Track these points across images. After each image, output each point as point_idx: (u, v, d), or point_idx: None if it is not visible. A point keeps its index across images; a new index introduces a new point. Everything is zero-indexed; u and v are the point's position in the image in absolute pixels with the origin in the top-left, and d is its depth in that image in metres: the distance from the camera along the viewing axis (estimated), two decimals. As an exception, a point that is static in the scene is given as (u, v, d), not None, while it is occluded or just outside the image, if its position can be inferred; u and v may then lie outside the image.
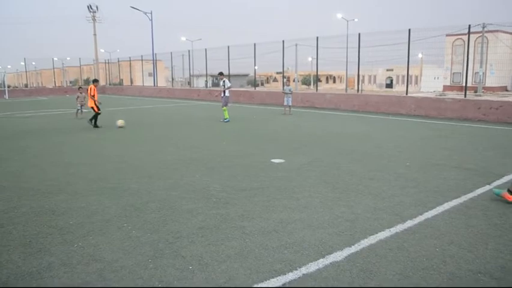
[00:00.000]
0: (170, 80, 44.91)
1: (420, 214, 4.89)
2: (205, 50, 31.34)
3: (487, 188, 6.02)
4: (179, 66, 42.61)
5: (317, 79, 28.80)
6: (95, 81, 14.72)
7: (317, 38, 22.58)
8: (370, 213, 4.96)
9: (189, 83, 47.93)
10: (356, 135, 11.70)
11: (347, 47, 29.06)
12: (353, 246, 4.00)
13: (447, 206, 5.23)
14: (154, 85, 42.47)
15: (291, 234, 4.32)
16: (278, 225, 4.57)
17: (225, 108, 15.33)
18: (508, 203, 5.24)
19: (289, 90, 18.53)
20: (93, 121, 13.86)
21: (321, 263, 3.67)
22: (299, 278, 3.40)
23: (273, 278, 3.38)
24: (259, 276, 3.40)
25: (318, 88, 29.27)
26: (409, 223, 4.61)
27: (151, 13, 41.27)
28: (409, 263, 3.65)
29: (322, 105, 21.30)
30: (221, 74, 16.46)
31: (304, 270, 3.53)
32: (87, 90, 14.48)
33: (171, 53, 36.97)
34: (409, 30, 18.27)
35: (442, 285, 3.27)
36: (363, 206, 5.22)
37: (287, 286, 3.28)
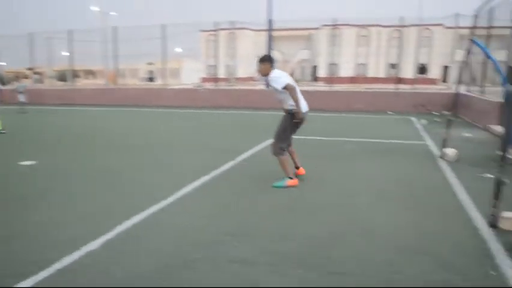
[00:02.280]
0: None
1: (173, 194, 5.27)
2: None
3: (232, 163, 6.90)
4: None
5: (73, 74, 27.24)
6: None
7: (69, 31, 21.40)
8: (128, 200, 5.10)
9: None
10: (117, 129, 11.67)
11: (106, 41, 28.36)
12: (108, 234, 4.06)
13: (197, 183, 5.77)
14: None
15: (40, 236, 4.10)
16: (23, 231, 4.26)
17: None
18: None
19: (23, 87, 17.50)
20: None
21: (77, 255, 3.63)
22: (52, 274, 3.31)
23: (24, 280, 3.20)
24: (4, 282, 3.19)
25: (77, 84, 27.80)
26: (163, 203, 4.92)
27: None
28: (161, 237, 3.95)
29: (81, 101, 20.35)
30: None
31: (58, 265, 3.44)
32: None
33: None
34: (162, 25, 18.98)
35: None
36: (120, 195, 5.33)
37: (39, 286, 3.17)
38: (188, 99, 17.85)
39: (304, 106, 5.60)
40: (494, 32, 12.27)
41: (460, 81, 7.40)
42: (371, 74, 56.17)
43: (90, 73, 79.30)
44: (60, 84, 41.43)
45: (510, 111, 4.10)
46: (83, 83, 63.59)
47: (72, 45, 21.73)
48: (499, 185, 4.14)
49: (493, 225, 4.15)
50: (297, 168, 6.05)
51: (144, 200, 5.07)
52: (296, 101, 5.40)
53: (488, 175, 5.96)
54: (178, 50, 61.58)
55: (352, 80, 54.36)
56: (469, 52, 7.08)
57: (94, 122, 13.41)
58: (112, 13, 52.58)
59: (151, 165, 7.00)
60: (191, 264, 3.40)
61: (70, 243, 3.87)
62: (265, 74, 5.62)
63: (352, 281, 3.12)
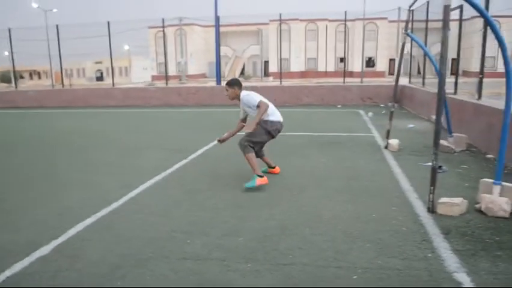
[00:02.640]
0: None
1: (125, 195, 5.27)
2: None
3: (184, 162, 6.96)
4: None
5: (15, 75, 26.15)
6: None
7: (9, 29, 20.52)
8: (80, 203, 5.05)
9: None
10: (65, 131, 11.39)
11: (48, 39, 27.51)
12: (59, 238, 4.03)
13: (149, 183, 5.79)
14: None
15: (-10, 242, 4.05)
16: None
17: None
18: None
19: None
20: None
21: (27, 261, 3.59)
22: (3, 281, 3.28)
23: (-30, 288, 3.17)
24: (-49, 291, 3.13)
25: (22, 85, 26.75)
26: (115, 205, 4.92)
27: None
28: (113, 238, 3.96)
29: (25, 104, 19.59)
30: None
31: (8, 272, 3.41)
32: None
33: None
34: (108, 22, 18.55)
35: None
36: (74, 198, 5.25)
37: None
38: (138, 98, 17.60)
39: (278, 117, 5.79)
40: (433, 25, 12.83)
41: (398, 74, 7.77)
42: (321, 68, 57.27)
43: (35, 74, 76.39)
44: (3, 86, 39.73)
45: (440, 102, 4.38)
46: (28, 84, 61.21)
47: (12, 45, 20.85)
48: (434, 172, 4.43)
49: (432, 210, 4.44)
50: (273, 167, 6.20)
51: (96, 202, 5.04)
52: (260, 114, 5.51)
53: (429, 163, 6.31)
54: (127, 47, 60.53)
55: (303, 74, 55.33)
56: (403, 45, 7.44)
57: (42, 125, 13.02)
58: (54, 10, 50.85)
59: (102, 167, 6.93)
60: (144, 263, 3.45)
61: (21, 249, 3.82)
62: (234, 97, 5.83)
63: (300, 270, 3.27)
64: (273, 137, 5.81)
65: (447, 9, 3.90)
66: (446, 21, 3.93)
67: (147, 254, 3.61)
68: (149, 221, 4.38)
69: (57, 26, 19.63)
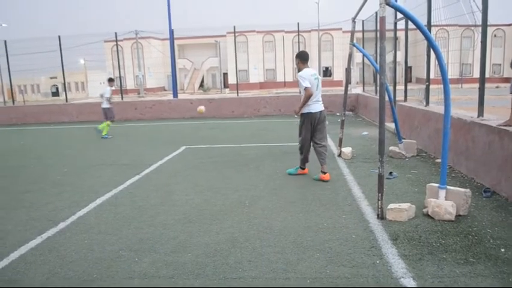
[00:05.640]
0: None
1: (73, 214, 5.10)
2: None
3: (137, 177, 6.81)
4: None
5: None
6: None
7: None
8: (22, 225, 4.84)
9: None
10: (11, 150, 10.96)
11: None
12: (1, 262, 3.87)
13: (99, 201, 5.63)
14: None
15: None
16: None
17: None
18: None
19: None
20: None
21: (-33, 289, 3.42)
22: None
23: None
24: None
25: (-32, 103, 25.57)
26: (62, 225, 4.75)
27: None
28: (58, 260, 3.81)
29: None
30: (111, 80, 13.10)
31: None
32: None
33: None
34: (59, 37, 18.09)
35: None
36: (15, 221, 5.03)
37: None
38: (93, 113, 17.13)
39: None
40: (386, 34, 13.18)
41: (347, 84, 7.95)
42: (280, 78, 57.82)
43: (-16, 90, 73.45)
44: (-51, 104, 37.79)
45: (382, 112, 4.49)
46: (-24, 101, 58.62)
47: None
48: (381, 179, 4.52)
49: (381, 217, 4.52)
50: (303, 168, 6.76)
51: (41, 223, 4.86)
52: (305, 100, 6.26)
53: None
54: (81, 61, 59.31)
55: (262, 85, 55.73)
56: (350, 56, 7.63)
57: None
58: (4, 25, 49.28)
59: (49, 186, 6.66)
60: (88, 285, 3.33)
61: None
62: (299, 69, 6.32)
63: (249, 283, 3.24)
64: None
65: (383, 21, 4.01)
66: (382, 31, 4.04)
67: (93, 275, 3.49)
68: (96, 241, 4.25)
69: (5, 42, 18.98)
